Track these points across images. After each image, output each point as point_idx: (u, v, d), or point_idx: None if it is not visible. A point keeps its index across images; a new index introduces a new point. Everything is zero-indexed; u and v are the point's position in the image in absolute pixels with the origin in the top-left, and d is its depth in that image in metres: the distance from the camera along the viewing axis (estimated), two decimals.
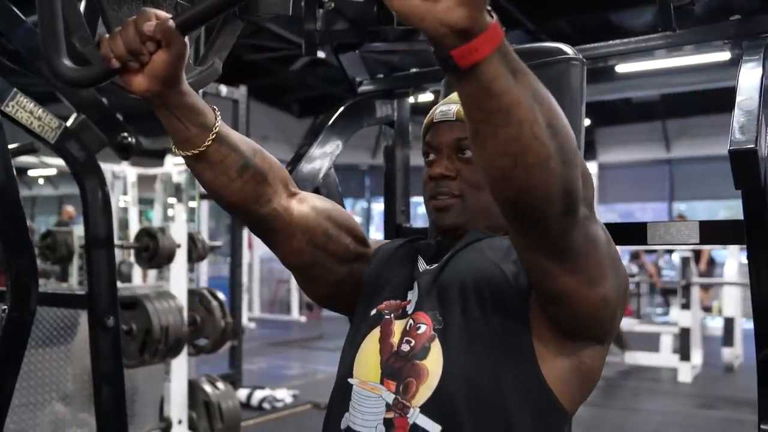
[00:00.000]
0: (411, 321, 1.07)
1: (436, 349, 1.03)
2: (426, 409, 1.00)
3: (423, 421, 0.99)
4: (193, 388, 3.65)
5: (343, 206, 1.85)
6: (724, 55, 1.63)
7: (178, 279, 3.64)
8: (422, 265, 1.16)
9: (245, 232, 5.78)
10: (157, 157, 5.47)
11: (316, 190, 1.72)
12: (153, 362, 3.36)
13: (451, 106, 1.18)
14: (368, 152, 14.84)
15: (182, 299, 3.56)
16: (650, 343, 7.22)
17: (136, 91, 0.93)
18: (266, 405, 5.27)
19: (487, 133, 0.78)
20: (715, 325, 9.05)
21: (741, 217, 1.28)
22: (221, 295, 3.72)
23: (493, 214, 1.14)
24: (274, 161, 1.12)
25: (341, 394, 1.10)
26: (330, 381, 1.19)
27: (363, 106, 1.92)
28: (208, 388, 3.64)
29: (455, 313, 1.04)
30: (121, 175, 6.86)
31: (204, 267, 9.21)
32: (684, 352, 6.61)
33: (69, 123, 2.12)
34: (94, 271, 2.15)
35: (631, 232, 1.55)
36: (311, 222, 1.14)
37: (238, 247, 5.62)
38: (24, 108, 2.04)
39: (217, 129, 1.01)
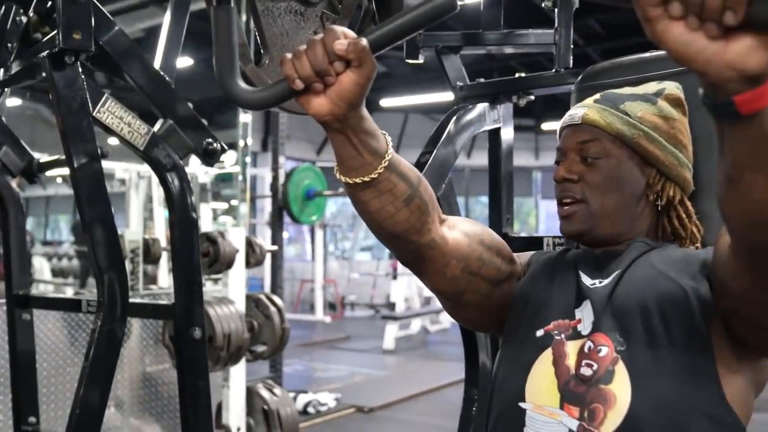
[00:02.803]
0: (590, 343, 1.03)
1: (621, 373, 0.98)
2: None
3: None
4: (251, 394, 3.59)
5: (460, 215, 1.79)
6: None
7: (236, 284, 3.57)
8: (586, 280, 1.10)
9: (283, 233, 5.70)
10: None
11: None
12: (214, 369, 3.29)
13: (578, 110, 1.16)
14: None
15: (240, 305, 3.50)
16: None
17: (315, 114, 0.88)
18: (311, 409, 5.21)
19: (755, 181, 0.74)
20: None
21: None
22: (278, 300, 3.65)
23: (619, 219, 1.12)
24: (431, 188, 1.07)
25: (511, 419, 1.06)
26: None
27: (472, 112, 1.84)
28: (265, 394, 3.58)
29: (638, 334, 1.00)
30: (146, 176, 6.51)
31: None
32: None
33: (156, 128, 2.05)
34: (180, 280, 2.08)
35: None
36: (466, 249, 1.11)
37: (279, 248, 5.56)
38: (114, 114, 1.97)
39: (390, 156, 0.96)
